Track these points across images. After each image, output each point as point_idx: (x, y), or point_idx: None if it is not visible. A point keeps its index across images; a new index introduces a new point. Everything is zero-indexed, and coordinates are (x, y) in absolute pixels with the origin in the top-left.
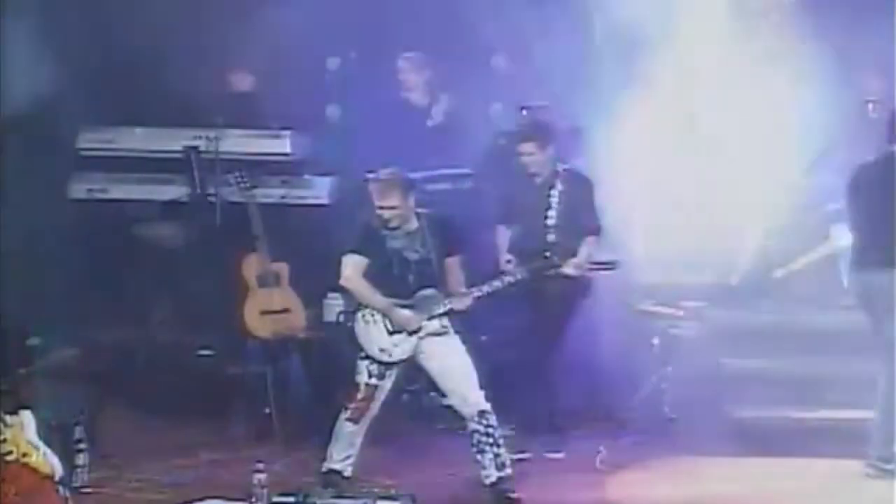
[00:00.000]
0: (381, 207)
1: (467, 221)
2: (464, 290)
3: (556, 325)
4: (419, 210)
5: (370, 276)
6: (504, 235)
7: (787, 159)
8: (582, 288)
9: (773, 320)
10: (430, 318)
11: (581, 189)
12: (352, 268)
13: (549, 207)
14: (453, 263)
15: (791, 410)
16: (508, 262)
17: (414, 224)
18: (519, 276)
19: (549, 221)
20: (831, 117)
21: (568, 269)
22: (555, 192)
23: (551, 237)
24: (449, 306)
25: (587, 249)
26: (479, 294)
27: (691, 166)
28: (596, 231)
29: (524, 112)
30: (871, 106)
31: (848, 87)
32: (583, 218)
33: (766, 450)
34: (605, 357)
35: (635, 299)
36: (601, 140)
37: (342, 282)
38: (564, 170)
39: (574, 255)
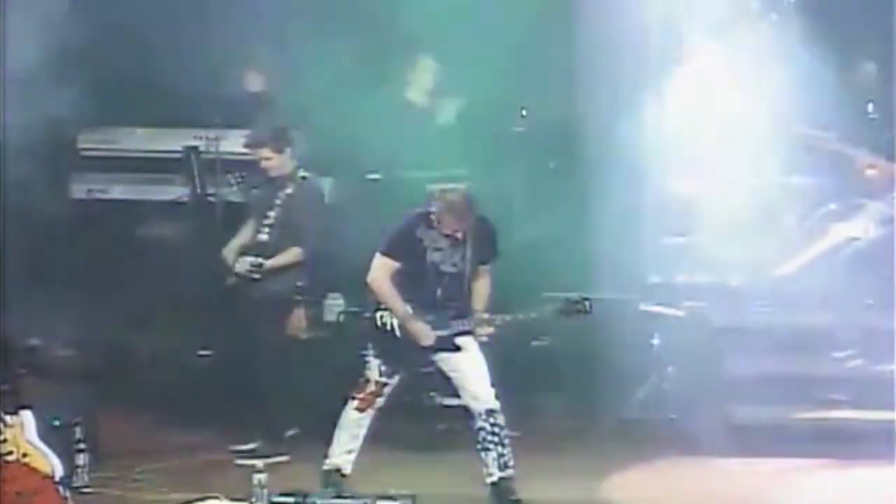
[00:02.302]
0: (456, 230)
1: None
2: (486, 310)
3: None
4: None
5: (399, 279)
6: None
7: (787, 159)
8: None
9: (773, 320)
10: (448, 335)
11: (308, 200)
12: (382, 270)
13: (271, 207)
14: (485, 271)
15: (791, 410)
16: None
17: (461, 234)
18: (545, 314)
19: (267, 221)
20: (831, 117)
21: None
22: (282, 194)
23: (263, 237)
24: (470, 328)
25: (285, 258)
26: (502, 323)
27: (691, 166)
28: (304, 243)
29: (524, 112)
30: (870, 106)
31: (848, 87)
32: (298, 230)
33: (766, 450)
34: (606, 357)
35: (635, 299)
36: (600, 141)
37: (368, 280)
38: (303, 177)
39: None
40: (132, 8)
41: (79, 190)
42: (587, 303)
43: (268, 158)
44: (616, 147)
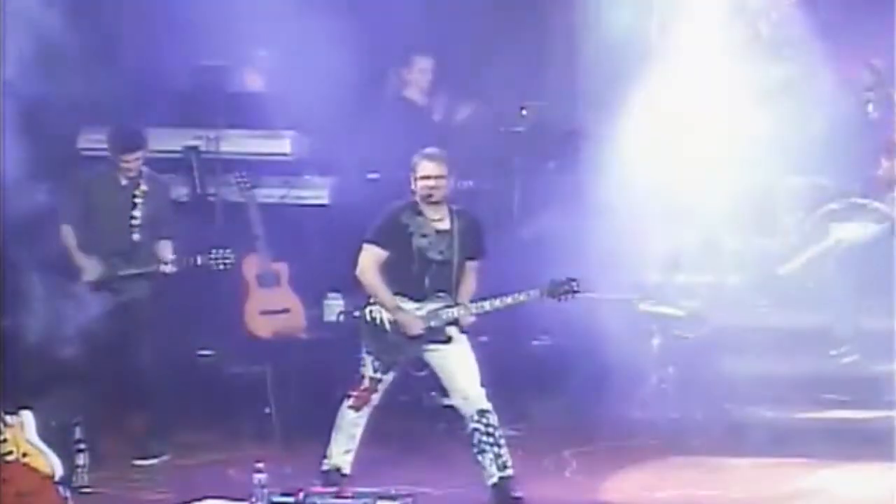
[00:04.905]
0: (427, 177)
1: None
2: (471, 299)
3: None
4: (454, 207)
5: (386, 269)
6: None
7: (787, 159)
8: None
9: (773, 320)
10: (435, 325)
11: (161, 193)
12: (370, 260)
13: (133, 207)
14: (472, 267)
15: (791, 410)
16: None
17: (447, 223)
18: (533, 296)
19: (134, 222)
20: (831, 117)
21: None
22: (139, 193)
23: (136, 237)
24: (454, 318)
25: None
26: (485, 311)
27: (691, 166)
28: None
29: (524, 112)
30: (870, 105)
31: (847, 87)
32: (162, 223)
33: (766, 450)
34: (606, 357)
35: (635, 299)
36: (600, 141)
37: (356, 272)
38: (147, 173)
39: (157, 258)
40: (133, 7)
41: None
42: (574, 283)
43: (137, 160)
44: (616, 147)
